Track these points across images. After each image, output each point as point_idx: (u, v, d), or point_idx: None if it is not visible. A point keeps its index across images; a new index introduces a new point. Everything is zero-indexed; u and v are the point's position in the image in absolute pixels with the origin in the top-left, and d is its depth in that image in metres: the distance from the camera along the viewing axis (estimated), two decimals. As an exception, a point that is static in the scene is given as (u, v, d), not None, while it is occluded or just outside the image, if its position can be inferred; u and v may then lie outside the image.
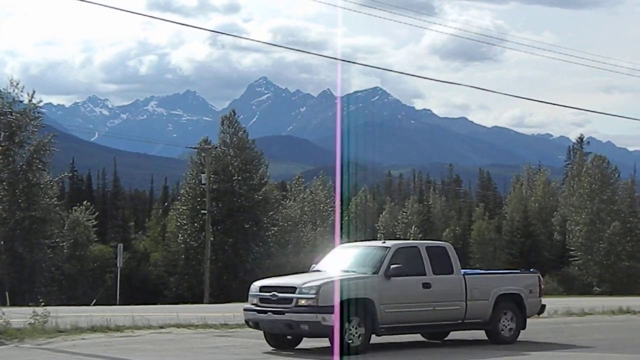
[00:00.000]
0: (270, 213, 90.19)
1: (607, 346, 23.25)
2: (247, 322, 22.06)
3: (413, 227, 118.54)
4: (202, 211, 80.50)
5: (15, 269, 69.29)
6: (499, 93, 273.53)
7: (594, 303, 44.54)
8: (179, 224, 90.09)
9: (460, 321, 22.59)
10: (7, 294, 53.47)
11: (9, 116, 67.78)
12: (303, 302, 20.26)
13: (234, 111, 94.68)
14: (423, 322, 21.96)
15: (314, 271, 22.68)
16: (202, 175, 79.77)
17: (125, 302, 64.45)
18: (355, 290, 20.59)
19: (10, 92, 71.53)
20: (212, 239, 79.85)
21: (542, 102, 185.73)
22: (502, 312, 23.36)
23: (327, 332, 20.26)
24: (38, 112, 72.79)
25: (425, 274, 21.95)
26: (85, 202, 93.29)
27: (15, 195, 70.78)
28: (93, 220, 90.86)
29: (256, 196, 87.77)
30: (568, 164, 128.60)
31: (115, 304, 58.14)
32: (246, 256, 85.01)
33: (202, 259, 79.51)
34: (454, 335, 24.21)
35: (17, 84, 71.81)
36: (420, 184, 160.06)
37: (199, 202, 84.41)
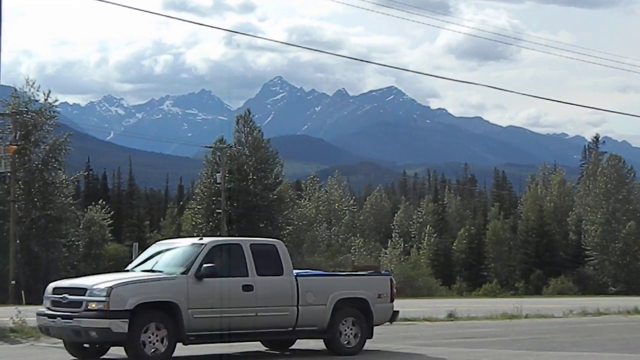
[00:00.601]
0: (285, 212, 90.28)
1: (618, 346, 23.12)
2: (40, 328, 19.64)
3: (428, 226, 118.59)
4: (217, 210, 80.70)
5: (30, 267, 69.48)
6: (515, 92, 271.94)
7: (609, 303, 44.51)
8: (194, 223, 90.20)
9: (290, 329, 20.11)
10: (22, 292, 53.55)
11: (25, 115, 67.99)
12: (93, 305, 17.91)
13: (249, 110, 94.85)
14: (243, 330, 19.47)
15: (124, 271, 20.39)
16: (217, 174, 79.97)
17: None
18: (156, 292, 18.38)
19: (26, 92, 71.82)
20: (227, 238, 79.98)
21: (557, 101, 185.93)
22: (343, 319, 20.70)
23: (119, 340, 18.13)
24: (54, 112, 73.03)
25: (247, 275, 19.48)
26: (100, 201, 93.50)
27: (31, 194, 71.01)
28: (108, 219, 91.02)
29: (271, 195, 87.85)
30: (583, 164, 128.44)
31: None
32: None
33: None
34: (302, 343, 21.89)
35: (33, 83, 72.14)
36: (435, 183, 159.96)
37: (214, 201, 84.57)
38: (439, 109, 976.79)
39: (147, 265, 19.81)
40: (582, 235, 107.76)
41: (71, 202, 75.09)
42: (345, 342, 20.76)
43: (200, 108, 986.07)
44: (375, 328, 21.63)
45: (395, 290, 21.95)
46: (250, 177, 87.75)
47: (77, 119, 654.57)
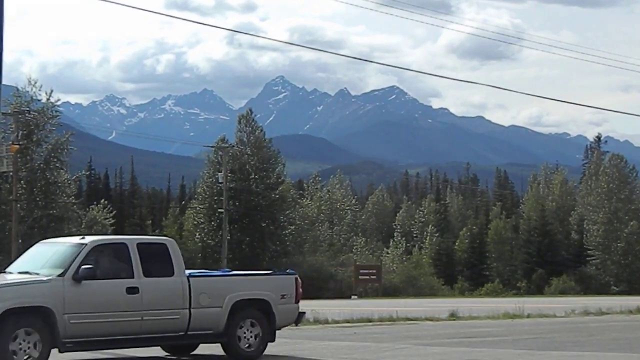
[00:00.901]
0: (287, 212, 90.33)
1: (622, 346, 23.11)
2: None
3: (430, 226, 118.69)
4: (219, 210, 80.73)
5: (33, 267, 69.53)
6: (517, 92, 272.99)
7: (611, 302, 44.46)
8: (196, 222, 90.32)
9: (182, 333, 18.90)
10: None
11: (27, 115, 67.97)
12: None
13: (251, 110, 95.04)
14: (128, 335, 18.19)
15: (2, 272, 19.24)
16: (219, 174, 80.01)
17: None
18: (27, 296, 17.18)
19: (28, 91, 71.82)
20: (229, 237, 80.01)
21: (559, 101, 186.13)
22: (241, 321, 19.51)
23: None
24: (56, 111, 73.03)
25: (132, 277, 18.23)
26: (102, 201, 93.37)
27: (33, 193, 71.04)
28: (110, 219, 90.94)
29: (273, 195, 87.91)
30: (585, 163, 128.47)
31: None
32: (263, 255, 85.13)
33: (219, 257, 79.70)
34: (205, 348, 20.76)
35: (35, 82, 72.12)
36: (437, 183, 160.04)
37: (216, 200, 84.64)
38: (441, 108, 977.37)
39: (26, 267, 18.67)
40: (584, 235, 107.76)
41: (73, 201, 75.08)
42: (245, 346, 19.57)
43: (202, 107, 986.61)
44: (376, 327, 21.47)
45: (301, 290, 20.65)
46: (252, 176, 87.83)
47: (79, 118, 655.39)
